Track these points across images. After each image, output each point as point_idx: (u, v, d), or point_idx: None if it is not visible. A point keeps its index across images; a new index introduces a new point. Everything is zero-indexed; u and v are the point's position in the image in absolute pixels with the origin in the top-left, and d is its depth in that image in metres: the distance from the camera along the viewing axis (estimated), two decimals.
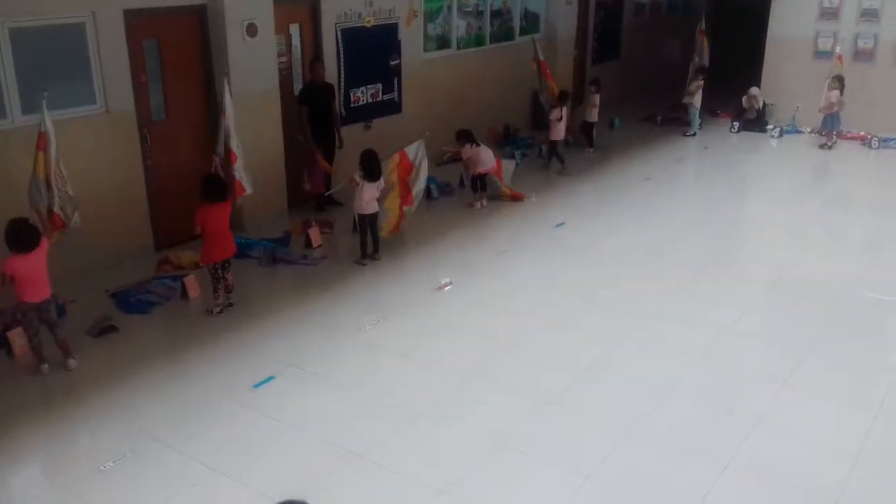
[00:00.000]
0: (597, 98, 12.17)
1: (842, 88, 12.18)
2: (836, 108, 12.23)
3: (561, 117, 11.08)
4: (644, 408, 5.39)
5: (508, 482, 4.70)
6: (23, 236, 5.47)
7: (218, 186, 6.76)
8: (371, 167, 7.65)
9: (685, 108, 13.57)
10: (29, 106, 6.92)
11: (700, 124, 13.51)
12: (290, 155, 9.10)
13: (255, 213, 8.72)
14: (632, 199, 10.16)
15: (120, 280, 7.21)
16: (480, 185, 9.65)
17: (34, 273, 5.53)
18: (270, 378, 5.76)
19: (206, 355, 6.09)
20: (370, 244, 7.91)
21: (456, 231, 8.83)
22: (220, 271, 6.78)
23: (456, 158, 9.78)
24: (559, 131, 11.18)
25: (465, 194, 10.07)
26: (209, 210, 6.56)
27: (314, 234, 8.32)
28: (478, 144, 9.59)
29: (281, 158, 9.02)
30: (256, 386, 5.67)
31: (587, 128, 12.29)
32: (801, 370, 5.90)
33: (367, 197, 7.69)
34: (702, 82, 13.27)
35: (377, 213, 7.85)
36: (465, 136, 9.54)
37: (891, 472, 4.80)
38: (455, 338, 6.43)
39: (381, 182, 7.82)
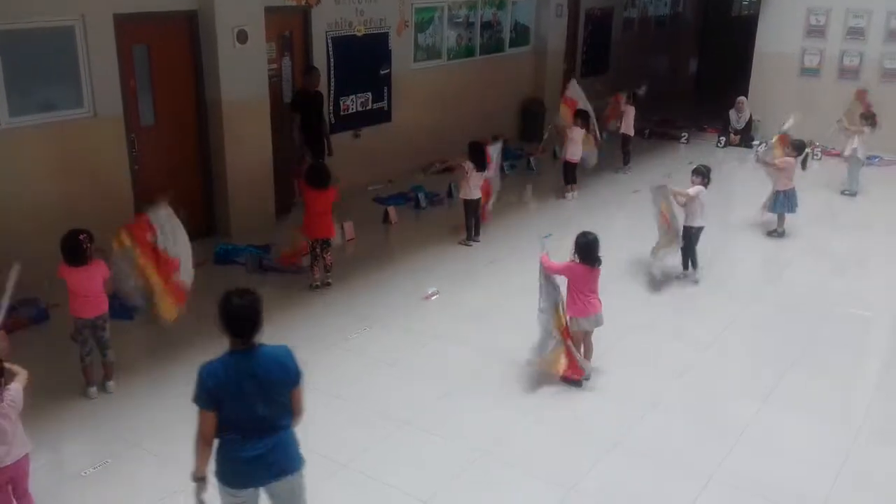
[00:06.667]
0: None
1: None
2: (791, 185, 9.00)
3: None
4: (627, 421, 5.41)
5: (493, 493, 4.70)
6: (68, 249, 5.40)
7: (320, 175, 7.28)
8: (478, 157, 8.44)
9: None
10: (17, 108, 6.89)
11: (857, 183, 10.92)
12: (278, 162, 9.09)
13: (242, 220, 8.69)
14: (619, 211, 10.22)
15: None
16: (570, 177, 10.46)
17: (83, 288, 5.43)
18: None
19: (190, 361, 5.99)
20: (473, 227, 8.74)
21: (443, 240, 8.83)
22: (318, 249, 7.37)
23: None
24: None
25: (456, 206, 10.07)
26: (309, 192, 7.23)
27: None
28: (585, 131, 10.41)
29: (269, 165, 8.99)
30: None
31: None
32: (784, 385, 5.94)
33: (473, 184, 8.49)
34: (864, 130, 10.68)
35: (479, 199, 8.65)
36: (584, 118, 10.45)
37: (872, 487, 4.84)
38: (442, 347, 6.43)
39: (489, 171, 8.65)
